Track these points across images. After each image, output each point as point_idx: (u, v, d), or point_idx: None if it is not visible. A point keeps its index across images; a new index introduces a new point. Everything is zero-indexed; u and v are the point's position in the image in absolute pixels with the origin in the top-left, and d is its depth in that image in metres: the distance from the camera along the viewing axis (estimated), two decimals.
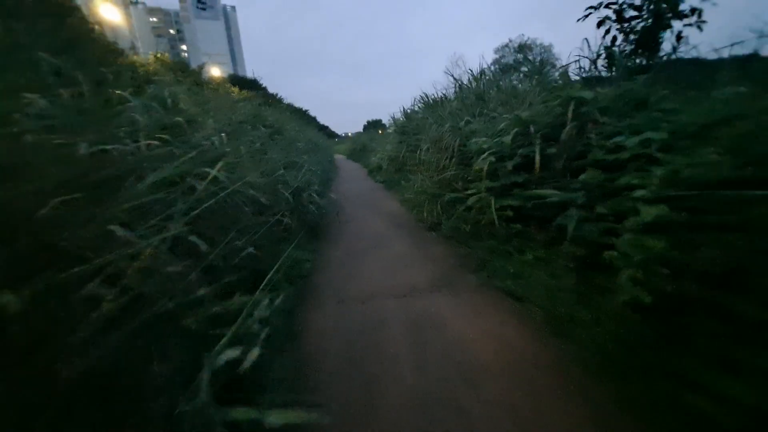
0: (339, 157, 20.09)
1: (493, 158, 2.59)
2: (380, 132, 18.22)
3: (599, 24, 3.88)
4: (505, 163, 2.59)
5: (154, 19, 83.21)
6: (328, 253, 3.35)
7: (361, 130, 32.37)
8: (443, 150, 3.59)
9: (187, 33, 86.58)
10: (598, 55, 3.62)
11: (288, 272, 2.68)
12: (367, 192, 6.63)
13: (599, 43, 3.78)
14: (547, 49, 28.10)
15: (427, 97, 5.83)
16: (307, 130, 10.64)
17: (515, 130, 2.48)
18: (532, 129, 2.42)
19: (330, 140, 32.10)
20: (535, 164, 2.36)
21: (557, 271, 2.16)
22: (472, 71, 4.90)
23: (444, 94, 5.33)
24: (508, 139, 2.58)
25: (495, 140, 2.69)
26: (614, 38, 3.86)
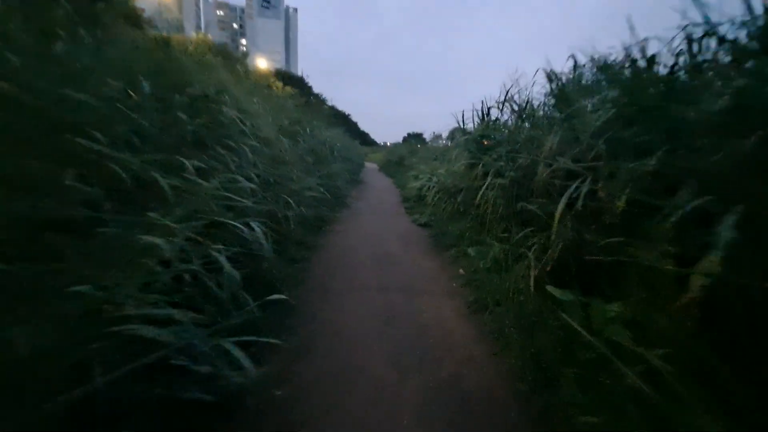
0: (371, 167, 17.24)
1: None
2: (418, 146, 15.16)
3: None
4: None
5: (221, 13, 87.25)
6: None
7: (400, 142, 29.45)
8: None
9: (249, 29, 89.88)
10: None
11: None
12: (397, 257, 3.38)
13: None
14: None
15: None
16: (323, 127, 7.66)
17: None
18: None
19: (366, 147, 29.58)
20: None
21: None
22: None
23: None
24: None
25: None
26: None
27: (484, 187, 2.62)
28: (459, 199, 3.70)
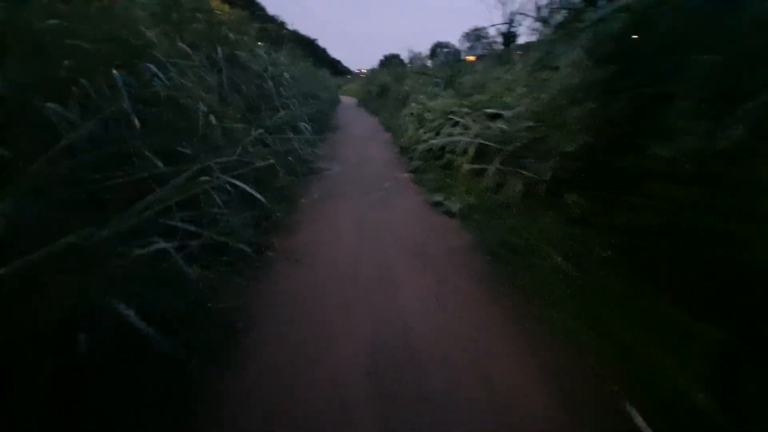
0: (348, 102, 14.28)
1: None
2: (406, 70, 12.27)
3: None
4: None
5: None
6: None
7: (377, 67, 25.17)
8: None
9: None
10: None
11: None
12: (437, 366, 1.48)
13: None
14: None
15: None
16: None
17: None
18: None
19: (339, 78, 25.40)
20: None
21: None
22: None
23: None
24: None
25: None
26: None
27: None
28: (548, 176, 1.65)
